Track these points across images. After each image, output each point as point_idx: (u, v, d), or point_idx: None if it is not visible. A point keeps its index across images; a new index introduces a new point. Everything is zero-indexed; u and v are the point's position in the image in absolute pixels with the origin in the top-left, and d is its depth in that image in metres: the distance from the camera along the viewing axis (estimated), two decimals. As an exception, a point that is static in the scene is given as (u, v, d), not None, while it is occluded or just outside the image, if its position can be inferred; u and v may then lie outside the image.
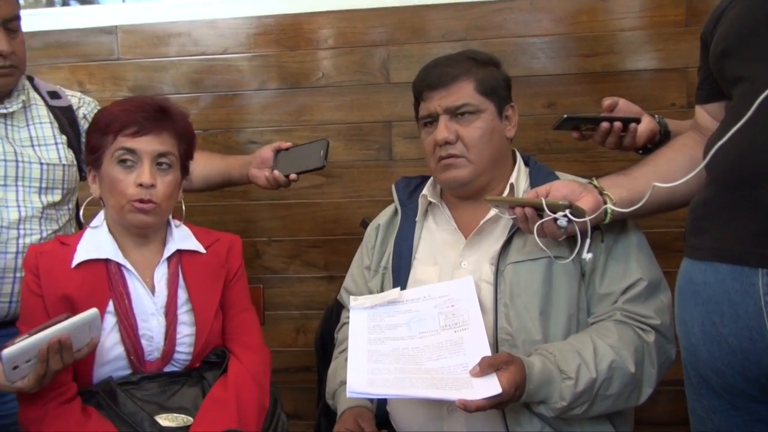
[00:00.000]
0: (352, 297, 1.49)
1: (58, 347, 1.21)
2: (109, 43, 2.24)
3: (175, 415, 1.34)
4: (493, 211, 1.43)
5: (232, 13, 2.19)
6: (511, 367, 1.24)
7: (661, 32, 2.02)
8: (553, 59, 2.07)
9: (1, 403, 1.55)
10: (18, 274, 1.52)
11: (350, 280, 1.65)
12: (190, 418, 1.34)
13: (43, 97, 1.68)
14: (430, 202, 1.55)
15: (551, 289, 1.37)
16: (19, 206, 1.55)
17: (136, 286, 1.41)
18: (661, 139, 1.47)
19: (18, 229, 1.54)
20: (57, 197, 1.62)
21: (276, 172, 1.70)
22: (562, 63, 2.07)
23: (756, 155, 1.03)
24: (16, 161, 1.56)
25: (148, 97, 1.46)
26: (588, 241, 1.24)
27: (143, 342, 1.39)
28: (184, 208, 1.51)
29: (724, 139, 1.03)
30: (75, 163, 1.67)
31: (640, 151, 1.49)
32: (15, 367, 1.20)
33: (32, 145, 1.61)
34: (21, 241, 1.54)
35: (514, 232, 1.40)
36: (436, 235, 1.53)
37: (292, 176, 1.69)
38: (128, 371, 1.39)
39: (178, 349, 1.41)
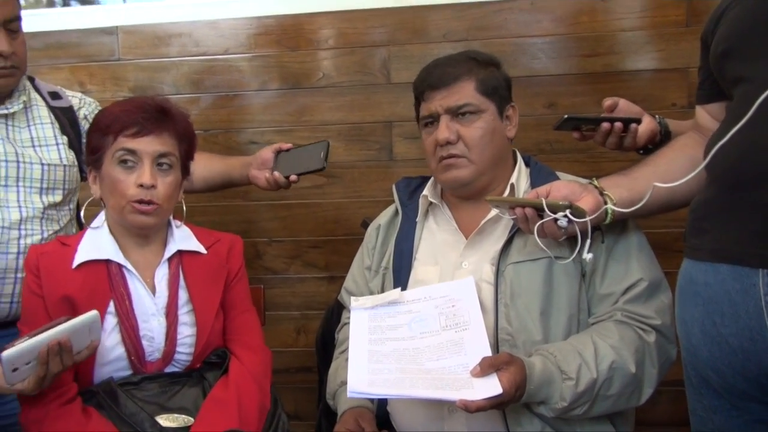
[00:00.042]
0: (352, 297, 1.49)
1: (58, 349, 1.21)
2: (109, 44, 2.24)
3: (176, 415, 1.34)
4: (493, 212, 1.43)
5: (232, 14, 2.19)
6: (512, 368, 1.24)
7: (661, 32, 2.02)
8: (554, 59, 2.07)
9: (1, 404, 1.55)
10: (19, 275, 1.52)
11: (351, 281, 1.65)
12: (191, 419, 1.34)
13: (44, 98, 1.69)
14: (431, 203, 1.55)
15: (552, 290, 1.37)
16: (20, 207, 1.55)
17: (136, 287, 1.41)
18: (661, 139, 1.47)
19: (19, 229, 1.54)
20: (58, 198, 1.62)
21: (276, 173, 1.70)
22: (563, 63, 2.07)
23: (756, 156, 1.03)
24: (17, 162, 1.56)
25: (148, 98, 1.46)
26: (588, 241, 1.24)
27: (144, 343, 1.39)
28: (184, 208, 1.51)
29: (725, 139, 1.03)
30: (76, 163, 1.67)
31: (641, 152, 1.49)
32: (15, 369, 1.19)
33: (33, 146, 1.61)
34: (22, 241, 1.54)
35: (515, 233, 1.40)
36: (436, 236, 1.53)
37: (293, 177, 1.69)
38: (129, 372, 1.39)
39: (178, 349, 1.41)
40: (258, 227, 2.22)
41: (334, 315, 1.75)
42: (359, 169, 2.17)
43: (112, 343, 1.37)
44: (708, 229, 1.12)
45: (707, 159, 1.08)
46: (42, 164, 1.59)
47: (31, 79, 1.70)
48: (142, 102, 1.42)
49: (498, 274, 1.39)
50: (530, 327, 1.35)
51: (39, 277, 1.38)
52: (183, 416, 1.34)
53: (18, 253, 1.53)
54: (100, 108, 1.68)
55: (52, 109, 1.68)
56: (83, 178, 1.66)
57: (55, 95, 1.71)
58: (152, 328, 1.40)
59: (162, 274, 1.45)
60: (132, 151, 1.37)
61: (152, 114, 1.39)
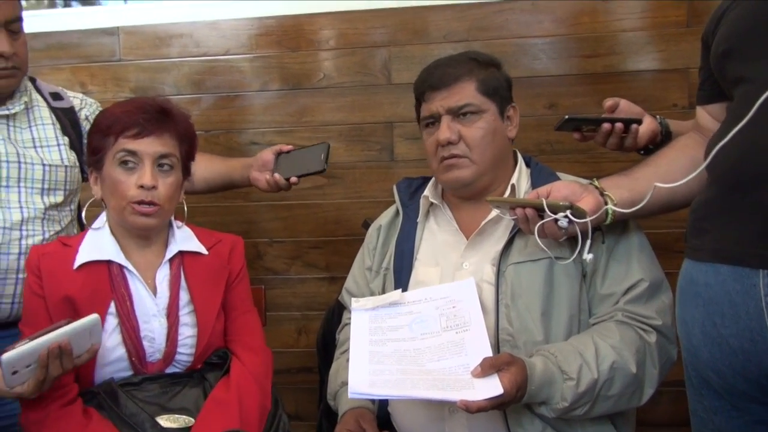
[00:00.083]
0: (353, 298, 1.49)
1: (58, 352, 1.21)
2: (110, 44, 2.24)
3: (177, 416, 1.34)
4: (494, 212, 1.43)
5: (233, 14, 2.19)
6: (513, 368, 1.24)
7: (662, 33, 2.02)
8: (555, 60, 2.07)
9: (1, 405, 1.55)
10: (20, 276, 1.52)
11: (351, 281, 1.65)
12: (192, 419, 1.34)
13: (45, 99, 1.69)
14: (432, 203, 1.55)
15: (553, 290, 1.37)
16: (21, 207, 1.55)
17: (137, 288, 1.42)
18: (662, 139, 1.47)
19: (20, 230, 1.54)
20: (59, 198, 1.62)
21: (276, 175, 1.70)
22: (564, 64, 2.07)
23: (757, 156, 1.03)
24: (19, 162, 1.56)
25: (149, 98, 1.46)
26: (589, 241, 1.24)
27: (145, 343, 1.39)
28: (186, 209, 1.51)
29: (725, 140, 1.03)
30: (77, 164, 1.67)
31: (642, 152, 1.49)
32: (14, 372, 1.19)
33: (34, 147, 1.61)
34: (23, 242, 1.54)
35: (516, 233, 1.40)
36: (437, 236, 1.53)
37: (293, 179, 1.69)
38: (129, 372, 1.39)
39: (179, 350, 1.41)
40: (259, 228, 2.22)
41: (335, 315, 1.75)
42: (360, 170, 2.17)
43: (112, 344, 1.37)
44: (708, 230, 1.12)
45: (708, 159, 1.08)
46: (43, 165, 1.59)
47: (33, 80, 1.70)
48: (143, 103, 1.42)
49: (499, 274, 1.39)
50: (531, 327, 1.35)
51: (40, 278, 1.38)
52: (184, 417, 1.34)
53: (19, 253, 1.53)
54: (101, 109, 1.68)
55: (54, 110, 1.68)
56: (84, 179, 1.66)
57: (57, 96, 1.71)
58: (153, 328, 1.40)
59: (163, 274, 1.45)
60: (133, 153, 1.37)
61: (153, 115, 1.39)
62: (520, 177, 1.51)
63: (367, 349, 1.35)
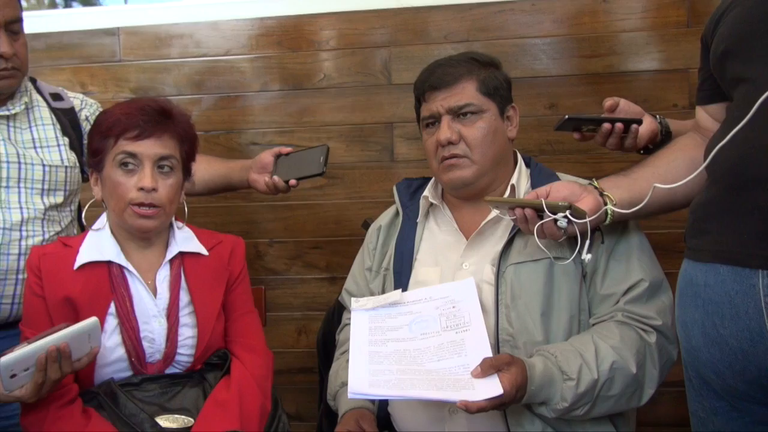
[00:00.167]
0: (353, 298, 1.49)
1: (57, 356, 1.21)
2: (111, 45, 2.24)
3: (176, 416, 1.34)
4: (494, 212, 1.43)
5: (234, 15, 2.19)
6: (513, 368, 1.24)
7: (662, 33, 2.02)
8: (555, 60, 2.07)
9: (1, 405, 1.55)
10: (21, 276, 1.52)
11: (351, 282, 1.65)
12: (191, 419, 1.34)
13: (45, 99, 1.69)
14: (432, 204, 1.55)
15: (552, 290, 1.37)
16: (21, 208, 1.55)
17: (138, 288, 1.41)
18: (662, 139, 1.47)
19: (21, 230, 1.54)
20: (59, 199, 1.62)
21: (275, 177, 1.70)
22: (564, 64, 2.07)
23: (756, 157, 1.02)
24: (19, 163, 1.56)
25: (149, 99, 1.45)
26: (588, 242, 1.24)
27: (145, 344, 1.39)
28: (186, 209, 1.51)
29: (725, 140, 1.03)
30: (77, 164, 1.67)
31: (642, 152, 1.49)
32: (13, 376, 1.19)
33: (35, 147, 1.61)
34: (24, 242, 1.54)
35: (515, 233, 1.40)
36: (437, 237, 1.53)
37: (292, 182, 1.69)
38: (129, 373, 1.39)
39: (179, 351, 1.41)
40: (259, 228, 2.22)
41: (335, 316, 1.75)
42: (360, 170, 2.17)
43: (112, 345, 1.37)
44: (708, 230, 1.12)
45: (707, 160, 1.08)
46: (43, 165, 1.59)
47: (33, 81, 1.71)
48: (143, 104, 1.42)
49: (498, 274, 1.39)
50: (531, 328, 1.35)
51: (40, 278, 1.38)
52: (183, 417, 1.34)
53: (19, 254, 1.53)
54: (101, 109, 1.68)
55: (54, 111, 1.68)
56: (84, 180, 1.66)
57: (57, 96, 1.71)
58: (153, 329, 1.40)
59: (163, 275, 1.45)
60: (133, 155, 1.37)
61: (153, 116, 1.39)
62: (520, 177, 1.51)
63: (367, 349, 1.35)
